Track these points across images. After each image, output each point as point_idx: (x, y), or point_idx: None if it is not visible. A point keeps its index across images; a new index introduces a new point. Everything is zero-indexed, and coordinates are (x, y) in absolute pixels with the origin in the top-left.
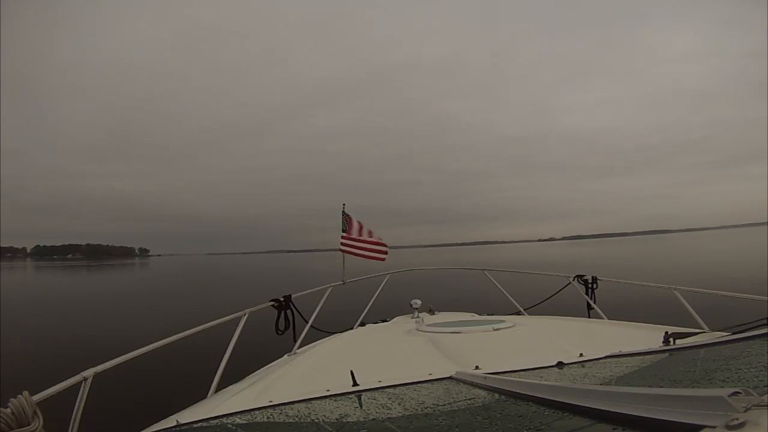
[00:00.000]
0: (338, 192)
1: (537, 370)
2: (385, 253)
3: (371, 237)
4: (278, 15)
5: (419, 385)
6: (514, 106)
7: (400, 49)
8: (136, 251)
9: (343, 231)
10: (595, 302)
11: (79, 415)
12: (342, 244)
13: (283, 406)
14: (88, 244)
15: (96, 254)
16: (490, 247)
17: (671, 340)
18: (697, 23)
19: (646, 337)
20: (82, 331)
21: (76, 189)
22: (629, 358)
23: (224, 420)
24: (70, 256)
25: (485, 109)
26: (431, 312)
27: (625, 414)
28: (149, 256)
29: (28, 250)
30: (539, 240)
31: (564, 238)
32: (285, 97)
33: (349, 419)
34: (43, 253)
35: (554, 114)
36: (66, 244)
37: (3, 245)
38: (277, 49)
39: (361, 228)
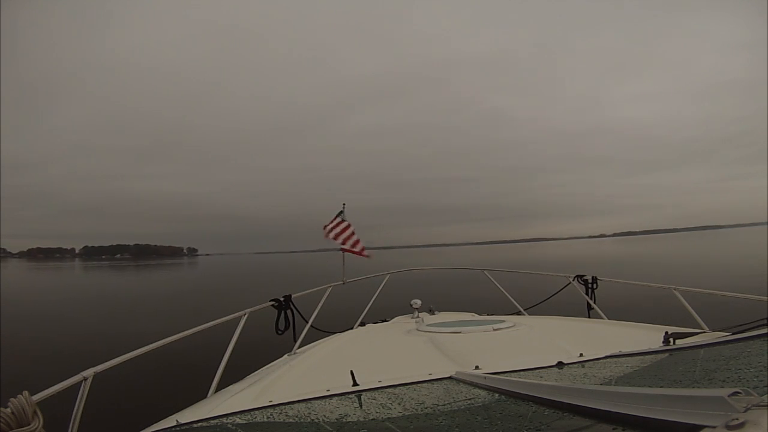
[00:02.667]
0: (386, 190)
1: (537, 370)
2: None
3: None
4: (321, 12)
5: (419, 385)
6: (563, 100)
7: (447, 45)
8: (185, 251)
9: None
10: (595, 302)
11: (79, 415)
12: (334, 237)
13: (283, 406)
14: (136, 244)
15: (144, 254)
16: (540, 244)
17: (671, 340)
18: (743, 12)
19: (646, 337)
20: (129, 328)
21: (124, 191)
22: (629, 358)
23: (224, 420)
24: (118, 256)
25: (535, 104)
26: (431, 312)
27: (625, 414)
28: (197, 255)
29: (77, 251)
30: (589, 237)
31: (614, 235)
32: (330, 95)
33: (349, 419)
34: (91, 253)
35: (602, 107)
36: (114, 244)
37: (52, 246)
38: (320, 47)
39: (347, 228)
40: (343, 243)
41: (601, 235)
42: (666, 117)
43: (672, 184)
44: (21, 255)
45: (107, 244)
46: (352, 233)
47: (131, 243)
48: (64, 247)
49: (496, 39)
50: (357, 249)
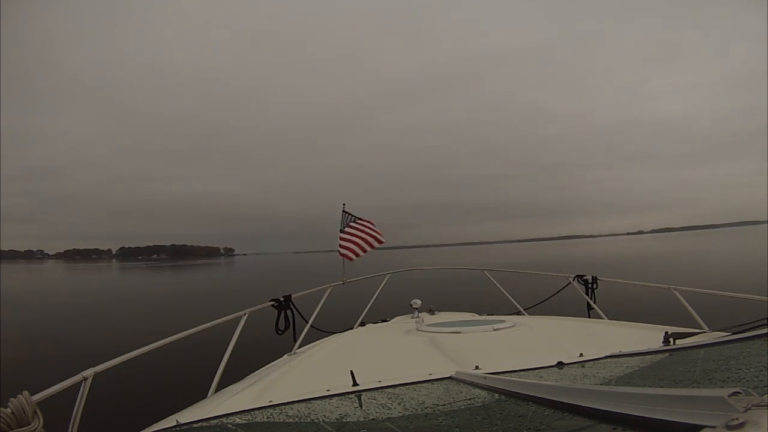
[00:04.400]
0: (424, 188)
1: (537, 370)
2: (380, 234)
3: (368, 225)
4: (358, 12)
5: (419, 385)
6: (601, 93)
7: (484, 40)
8: (221, 251)
9: (341, 231)
10: (595, 302)
11: (79, 415)
12: (341, 246)
13: (283, 406)
14: (172, 245)
15: (181, 254)
16: (578, 241)
17: (671, 340)
18: None
19: (646, 337)
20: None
21: (162, 193)
22: (629, 358)
23: (224, 420)
24: (154, 256)
25: (572, 98)
26: (431, 312)
27: (625, 414)
28: (234, 255)
29: (114, 251)
30: (627, 233)
31: (653, 231)
32: (369, 94)
33: (349, 419)
34: (128, 254)
35: (641, 100)
36: (151, 245)
37: (89, 247)
38: (358, 47)
39: (361, 222)
40: (361, 240)
41: (639, 232)
42: (703, 109)
43: (711, 178)
44: (58, 256)
45: (144, 245)
46: (357, 235)
47: (168, 243)
48: (101, 248)
49: (532, 32)
50: (372, 240)
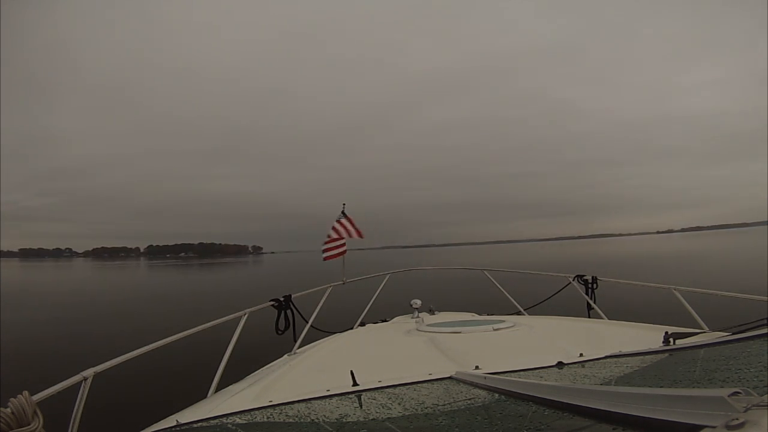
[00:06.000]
0: (453, 186)
1: (537, 370)
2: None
3: (349, 227)
4: (385, 10)
5: (419, 385)
6: (630, 89)
7: (512, 36)
8: (249, 249)
9: (328, 237)
10: (595, 302)
11: (79, 415)
12: (324, 250)
13: (283, 406)
14: (200, 243)
15: (208, 253)
16: (607, 240)
17: (671, 340)
18: None
19: (646, 337)
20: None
21: (191, 192)
22: (629, 358)
23: (224, 420)
24: (182, 254)
25: (602, 94)
26: (431, 312)
27: (625, 414)
28: (262, 253)
29: (141, 250)
30: (657, 232)
31: (683, 230)
32: (397, 92)
33: (349, 419)
34: (155, 252)
35: (671, 96)
36: (178, 243)
37: (117, 246)
38: (386, 44)
39: (350, 226)
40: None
41: (669, 231)
42: (733, 104)
43: (742, 175)
44: (86, 254)
45: (172, 243)
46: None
47: (195, 242)
48: (129, 246)
49: (561, 27)
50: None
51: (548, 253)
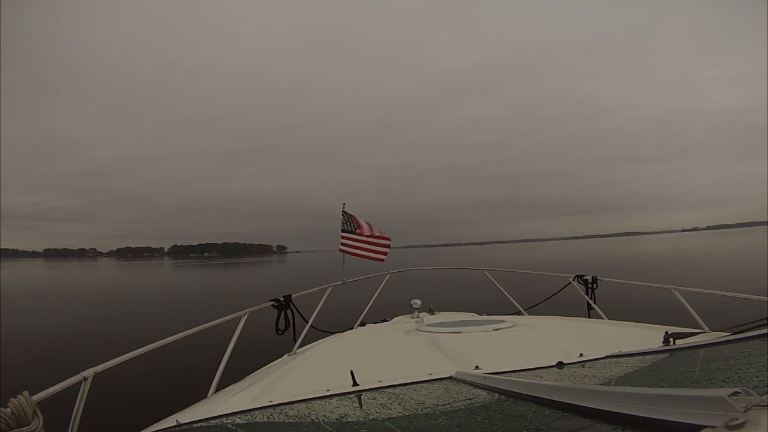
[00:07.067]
0: (481, 184)
1: (537, 370)
2: (385, 253)
3: (373, 232)
4: (412, 9)
5: (419, 385)
6: (657, 85)
7: (539, 33)
8: (274, 248)
9: (343, 231)
10: (595, 302)
11: (78, 415)
12: (342, 244)
13: (283, 406)
14: (224, 243)
15: (232, 252)
16: (631, 238)
17: (671, 340)
18: None
19: (646, 337)
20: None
21: (218, 192)
22: (629, 358)
23: (224, 420)
24: (206, 254)
25: (628, 90)
26: (431, 312)
27: (625, 414)
28: (287, 252)
29: (166, 250)
30: (682, 230)
31: (707, 228)
32: (425, 91)
33: (349, 419)
34: (179, 252)
35: (698, 91)
36: (203, 243)
37: (141, 246)
38: (413, 43)
39: (363, 226)
40: (362, 250)
41: (694, 229)
42: (759, 100)
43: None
44: (110, 254)
45: (196, 243)
46: (371, 231)
47: (220, 242)
48: (153, 246)
49: (587, 23)
50: (374, 254)
51: (565, 252)
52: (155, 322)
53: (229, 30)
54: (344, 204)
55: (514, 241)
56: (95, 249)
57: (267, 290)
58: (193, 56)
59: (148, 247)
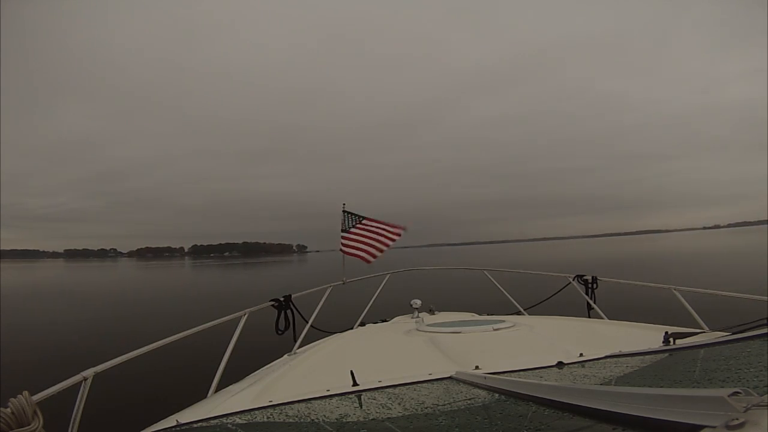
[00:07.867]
0: (502, 182)
1: (537, 370)
2: (393, 239)
3: (379, 224)
4: (427, 5)
5: (419, 385)
6: (676, 79)
7: (559, 28)
8: (294, 248)
9: (343, 231)
10: (595, 302)
11: (79, 415)
12: (342, 245)
13: (283, 406)
14: (244, 243)
15: (253, 252)
16: (652, 236)
17: (671, 340)
18: None
19: (646, 337)
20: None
21: (237, 192)
22: (629, 358)
23: (224, 420)
24: (226, 254)
25: (648, 85)
26: (431, 312)
27: (625, 414)
28: (307, 252)
29: (186, 250)
30: (703, 227)
31: (729, 225)
32: (442, 88)
33: (349, 419)
34: (199, 252)
35: (717, 86)
36: (223, 243)
37: (161, 246)
38: (429, 40)
39: (367, 222)
40: (366, 245)
41: (716, 226)
42: None
43: None
44: (131, 254)
45: (216, 243)
46: (366, 236)
47: (240, 241)
48: (173, 246)
49: (606, 18)
50: (380, 242)
51: (580, 252)
52: (167, 322)
53: (250, 33)
54: (344, 204)
55: (534, 240)
56: (115, 249)
57: (282, 290)
58: (204, 57)
59: (168, 247)
